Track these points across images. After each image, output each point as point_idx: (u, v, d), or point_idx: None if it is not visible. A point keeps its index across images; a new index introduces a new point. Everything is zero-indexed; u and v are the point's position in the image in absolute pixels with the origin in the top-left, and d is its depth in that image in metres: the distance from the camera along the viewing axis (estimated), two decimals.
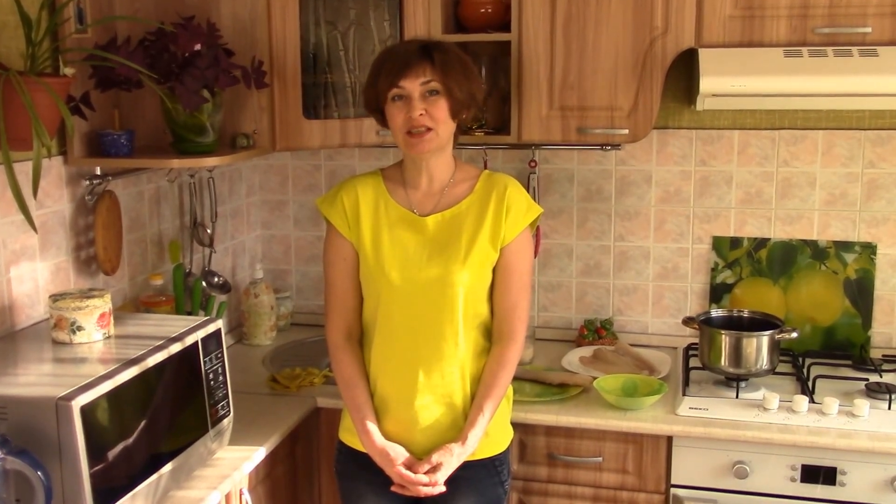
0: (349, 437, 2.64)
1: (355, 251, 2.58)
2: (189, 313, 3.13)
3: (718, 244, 3.50)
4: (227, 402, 2.60)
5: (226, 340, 3.39)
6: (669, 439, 2.90)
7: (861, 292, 3.40)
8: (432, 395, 2.53)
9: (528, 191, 3.36)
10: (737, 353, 3.04)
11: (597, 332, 3.58)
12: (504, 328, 2.59)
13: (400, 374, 2.54)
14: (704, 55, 2.93)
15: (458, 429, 2.53)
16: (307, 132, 3.09)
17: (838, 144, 3.35)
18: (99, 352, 2.32)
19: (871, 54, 2.85)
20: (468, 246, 2.52)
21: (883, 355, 3.34)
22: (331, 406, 3.00)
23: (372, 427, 2.52)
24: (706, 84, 2.85)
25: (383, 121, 2.55)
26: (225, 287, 3.41)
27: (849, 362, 3.30)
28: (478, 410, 2.52)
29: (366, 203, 2.58)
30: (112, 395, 2.10)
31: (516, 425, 2.90)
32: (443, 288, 2.50)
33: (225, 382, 2.59)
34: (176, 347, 2.37)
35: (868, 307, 3.40)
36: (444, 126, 2.49)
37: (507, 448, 2.66)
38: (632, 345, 3.52)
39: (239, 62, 2.84)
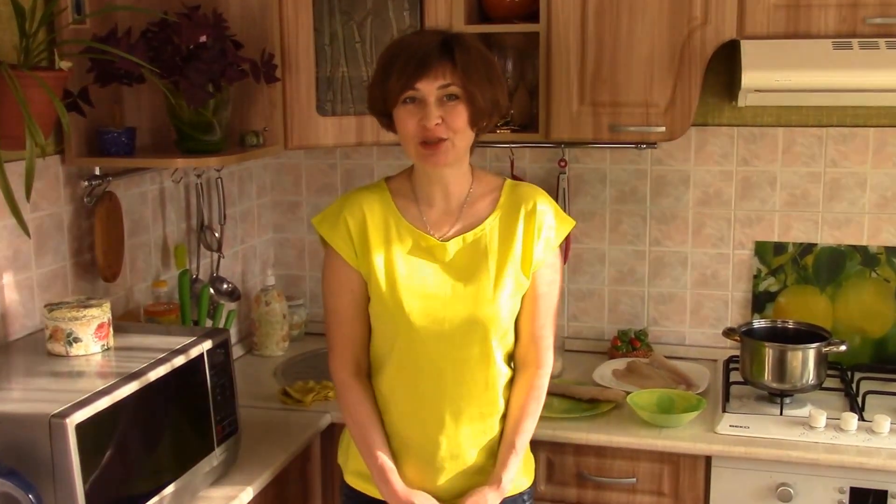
0: (359, 481, 2.48)
1: (363, 281, 2.36)
2: (195, 323, 3.10)
3: (761, 250, 3.45)
4: (235, 419, 2.57)
5: (235, 351, 3.40)
6: (708, 459, 2.85)
7: None
8: (460, 438, 2.36)
9: (557, 192, 3.44)
10: (781, 367, 2.99)
11: (631, 343, 3.53)
12: (531, 354, 2.43)
13: (422, 416, 2.36)
14: (747, 47, 2.88)
15: (487, 471, 2.39)
16: (321, 130, 3.06)
17: (891, 143, 3.30)
18: (97, 365, 2.29)
19: None
20: (497, 276, 2.33)
21: None
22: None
23: (392, 474, 2.34)
24: (749, 78, 2.80)
25: (390, 124, 2.34)
26: (234, 294, 3.38)
27: None
28: (510, 450, 2.37)
29: (374, 225, 2.35)
30: (110, 412, 2.07)
31: (543, 443, 2.88)
32: (472, 327, 2.31)
33: (232, 398, 2.55)
34: (180, 360, 2.34)
35: None
36: (462, 136, 2.28)
37: (533, 480, 2.57)
38: (668, 357, 3.47)
39: (247, 55, 2.81)
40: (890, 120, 3.29)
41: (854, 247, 3.37)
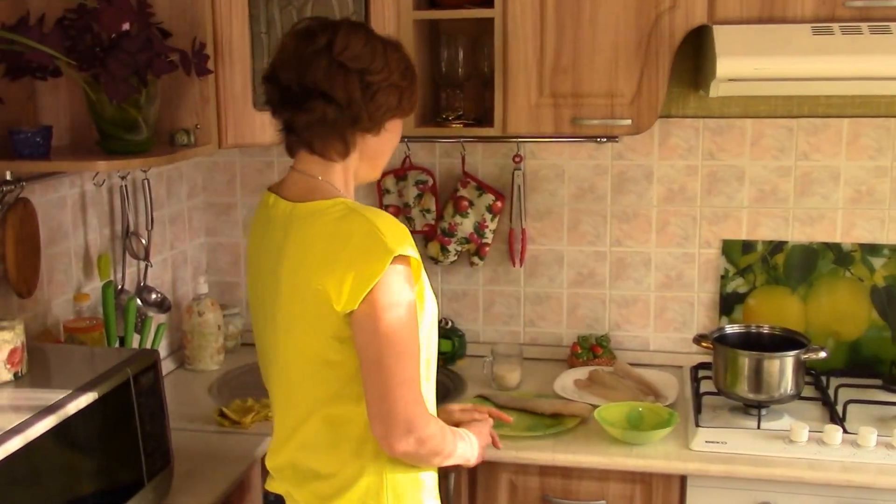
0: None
1: None
2: (122, 339, 2.90)
3: (729, 249, 3.33)
4: (167, 450, 2.37)
5: (165, 366, 3.22)
6: (683, 479, 2.72)
7: (891, 301, 3.25)
8: None
9: (512, 190, 3.35)
10: (758, 377, 2.85)
11: (591, 350, 3.40)
12: None
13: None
14: (720, 33, 2.73)
15: None
16: (258, 126, 2.87)
17: (865, 134, 3.20)
18: (8, 398, 2.06)
19: None
20: None
21: None
22: None
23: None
24: (724, 67, 2.64)
25: (376, 129, 2.15)
26: (164, 305, 3.18)
27: (879, 382, 3.16)
28: None
29: None
30: (23, 455, 1.87)
31: (506, 465, 2.75)
32: None
33: (164, 426, 2.36)
34: (104, 388, 2.14)
35: None
36: None
37: None
38: (631, 364, 3.35)
39: (176, 44, 2.61)
40: (864, 109, 3.19)
41: (827, 244, 3.27)
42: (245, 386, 3.22)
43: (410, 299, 2.03)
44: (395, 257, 1.97)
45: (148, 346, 2.98)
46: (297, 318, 2.08)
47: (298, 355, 2.11)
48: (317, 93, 2.05)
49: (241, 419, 2.85)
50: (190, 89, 2.76)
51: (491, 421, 2.45)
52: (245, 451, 2.72)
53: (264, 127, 2.84)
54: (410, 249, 2.03)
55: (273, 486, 2.27)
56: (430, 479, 2.24)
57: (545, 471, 2.77)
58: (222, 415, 2.89)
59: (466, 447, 2.27)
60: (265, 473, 2.35)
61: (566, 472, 2.76)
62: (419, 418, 2.04)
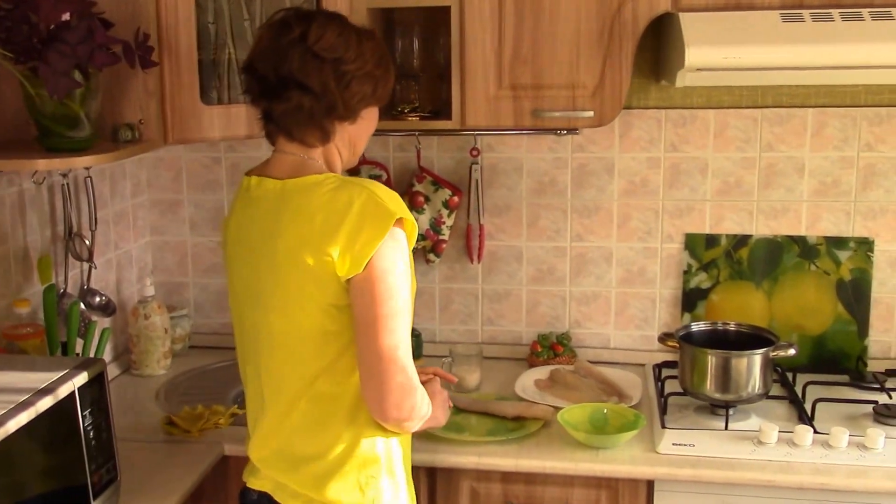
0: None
1: None
2: (64, 345, 2.78)
3: (692, 243, 3.28)
4: (114, 464, 2.27)
5: (110, 371, 3.12)
6: (650, 484, 2.65)
7: (857, 295, 3.22)
8: None
9: (469, 184, 3.29)
10: (725, 376, 2.79)
11: (552, 348, 3.34)
12: None
13: None
14: (687, 21, 2.66)
15: None
16: (206, 121, 2.78)
17: (830, 124, 3.17)
18: None
19: (886, 17, 2.61)
20: None
21: (886, 369, 3.16)
22: (241, 454, 2.65)
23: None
24: (693, 56, 2.57)
25: (352, 117, 2.23)
26: (108, 308, 3.07)
27: (846, 378, 3.11)
28: None
29: None
30: None
31: (467, 471, 2.68)
32: None
33: (109, 440, 2.26)
34: (46, 402, 2.03)
35: (864, 312, 3.23)
36: None
37: None
38: (592, 362, 3.29)
39: (119, 35, 2.51)
40: (829, 99, 3.15)
41: (791, 237, 3.23)
42: (193, 391, 3.14)
43: (407, 262, 2.13)
44: (395, 220, 2.07)
45: (92, 352, 2.87)
46: (295, 291, 2.11)
47: (293, 330, 2.14)
48: (292, 82, 2.13)
49: (190, 427, 2.75)
50: (134, 83, 2.68)
51: (438, 380, 2.48)
52: (195, 460, 2.62)
53: (212, 121, 2.77)
54: (406, 212, 2.12)
55: (258, 483, 2.26)
56: (407, 445, 2.32)
57: (508, 477, 2.70)
58: (171, 423, 2.80)
59: (435, 409, 2.31)
60: (238, 473, 2.37)
61: (529, 478, 2.69)
62: (412, 383, 2.10)
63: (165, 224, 3.58)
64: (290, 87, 2.13)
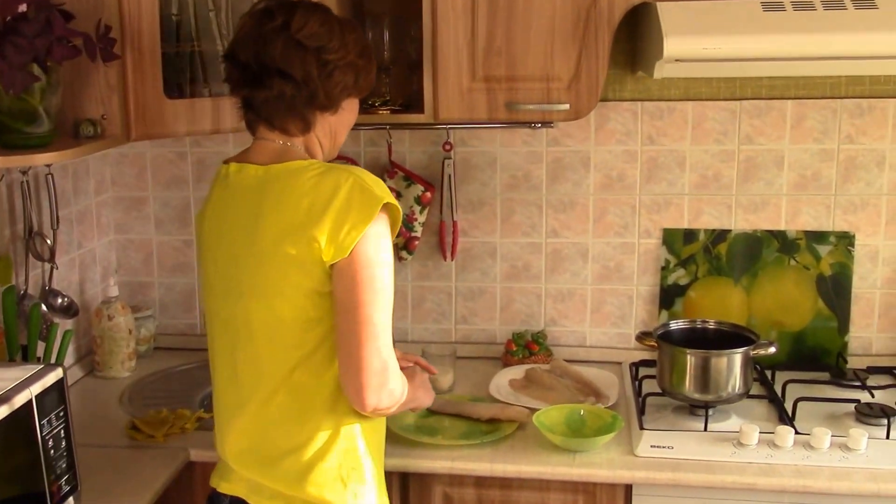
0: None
1: None
2: (25, 348, 2.71)
3: (670, 238, 3.23)
4: (74, 474, 2.20)
5: (74, 374, 3.06)
6: (628, 488, 2.59)
7: (837, 291, 3.18)
8: None
9: (442, 179, 3.22)
10: (705, 376, 2.74)
11: (527, 347, 3.29)
12: None
13: None
14: (665, 10, 2.60)
15: None
16: (170, 116, 2.70)
17: (810, 116, 3.12)
18: None
19: (868, 5, 2.56)
20: None
21: (868, 367, 3.13)
22: (207, 459, 2.61)
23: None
24: (671, 46, 2.50)
25: (333, 108, 2.25)
26: (71, 310, 2.99)
27: (826, 375, 3.08)
28: None
29: None
30: None
31: (440, 476, 2.62)
32: None
33: (69, 449, 2.19)
34: (3, 411, 1.97)
35: (845, 308, 3.19)
36: None
37: None
38: (568, 360, 3.24)
39: (80, 28, 2.44)
40: (809, 91, 3.11)
41: (771, 232, 3.19)
42: (159, 394, 3.06)
43: (391, 248, 2.12)
44: (382, 206, 2.06)
45: (53, 356, 2.78)
46: (278, 277, 2.09)
47: (273, 318, 2.12)
48: (274, 70, 2.13)
49: (154, 432, 2.68)
50: (95, 77, 2.60)
51: (418, 367, 2.52)
52: (159, 466, 2.55)
53: (177, 116, 2.70)
54: (392, 198, 2.12)
55: (230, 487, 2.23)
56: (383, 437, 2.32)
57: (482, 482, 2.63)
58: (134, 428, 2.72)
59: (415, 390, 2.32)
60: (205, 479, 2.34)
61: (504, 483, 2.63)
62: (393, 371, 2.10)
63: (130, 222, 3.50)
64: (272, 74, 2.13)
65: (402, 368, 2.19)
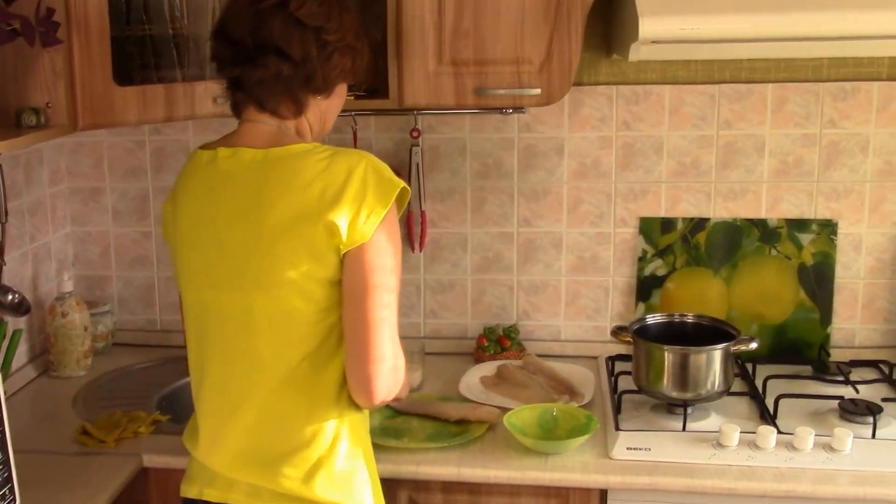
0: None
1: None
2: None
3: (647, 227, 3.10)
4: (11, 488, 2.02)
5: (26, 375, 2.93)
6: (603, 493, 2.44)
7: (819, 281, 3.05)
8: None
9: (410, 168, 3.08)
10: (683, 373, 2.59)
11: (499, 342, 3.14)
12: None
13: None
14: None
15: None
16: (120, 103, 2.53)
17: (791, 100, 2.99)
18: None
19: None
20: None
21: (851, 360, 3.01)
22: (162, 465, 2.46)
23: None
24: (647, 27, 2.33)
25: (325, 90, 2.13)
26: (22, 307, 2.78)
27: (808, 369, 2.96)
28: None
29: None
30: None
31: (405, 482, 2.46)
32: None
33: (5, 461, 2.00)
34: None
35: (827, 299, 3.06)
36: None
37: None
38: (542, 356, 3.10)
39: (19, 11, 2.28)
40: (790, 74, 2.97)
41: (751, 220, 3.06)
42: (115, 395, 2.90)
43: (399, 234, 2.05)
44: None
45: (0, 357, 2.62)
46: (286, 266, 1.96)
47: (279, 312, 1.99)
48: (272, 48, 2.01)
49: (105, 437, 2.51)
50: (39, 63, 2.42)
51: None
52: (109, 475, 2.38)
53: (127, 103, 2.53)
54: (403, 183, 2.03)
55: (221, 494, 2.08)
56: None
57: (449, 487, 2.48)
58: (85, 433, 2.56)
59: None
60: (160, 487, 2.30)
61: (473, 488, 2.47)
62: (401, 360, 2.05)
63: (87, 214, 3.33)
64: (269, 52, 2.00)
65: None
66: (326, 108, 2.16)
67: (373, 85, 2.81)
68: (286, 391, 2.01)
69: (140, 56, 2.66)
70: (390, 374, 2.00)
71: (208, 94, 2.58)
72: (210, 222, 2.05)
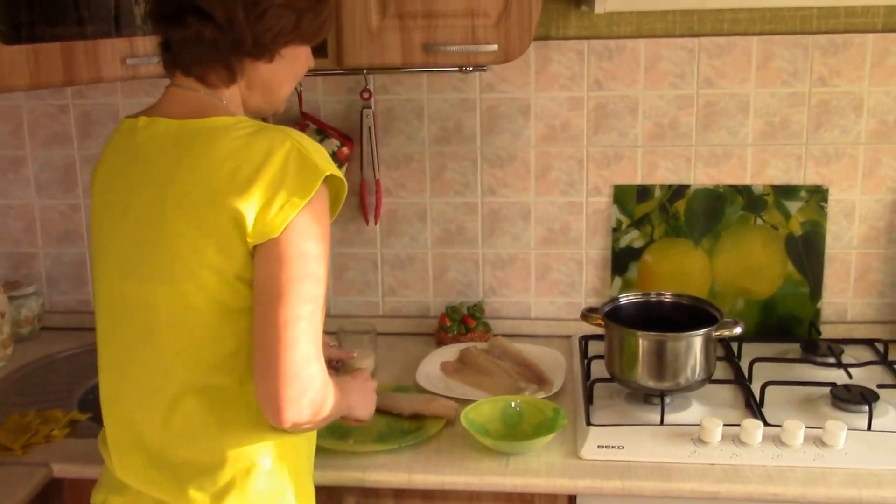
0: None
1: None
2: None
3: (622, 196, 2.85)
4: None
5: None
6: (571, 499, 2.17)
7: (809, 252, 2.83)
8: None
9: (361, 132, 2.81)
10: (660, 362, 2.31)
11: (463, 321, 2.87)
12: None
13: None
14: None
15: None
16: (7, 66, 2.19)
17: (778, 55, 2.75)
18: None
19: None
20: None
21: (842, 338, 2.80)
22: (76, 475, 2.17)
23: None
24: None
25: (266, 55, 1.84)
26: None
27: (797, 347, 2.74)
28: None
29: None
30: None
31: (350, 489, 2.19)
32: None
33: None
34: None
35: (817, 272, 2.84)
36: None
37: None
38: (510, 336, 2.87)
39: None
40: (776, 25, 2.72)
41: (735, 187, 2.82)
42: (34, 389, 2.62)
43: (328, 228, 1.75)
44: (324, 179, 1.70)
45: None
46: (190, 256, 1.70)
47: (184, 308, 1.73)
48: (189, 7, 1.76)
49: (12, 444, 2.20)
50: None
51: (359, 371, 2.17)
52: (14, 486, 2.08)
53: (15, 65, 2.18)
54: (336, 169, 1.75)
55: (126, 502, 1.84)
56: (313, 449, 1.98)
57: (401, 494, 2.21)
58: None
59: (349, 397, 1.95)
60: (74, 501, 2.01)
61: (427, 496, 2.20)
62: (318, 377, 1.70)
63: (6, 186, 3.03)
64: (187, 11, 1.76)
65: (335, 371, 1.85)
66: (271, 75, 1.86)
67: None
68: (195, 402, 1.75)
69: (29, 10, 2.35)
70: (306, 395, 1.69)
71: (117, 53, 2.27)
72: (121, 201, 1.80)
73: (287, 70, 1.89)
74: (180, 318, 1.73)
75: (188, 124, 1.76)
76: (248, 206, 1.64)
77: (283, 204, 1.65)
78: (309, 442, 1.92)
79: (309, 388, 1.68)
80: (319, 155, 1.73)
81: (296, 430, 1.73)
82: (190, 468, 1.77)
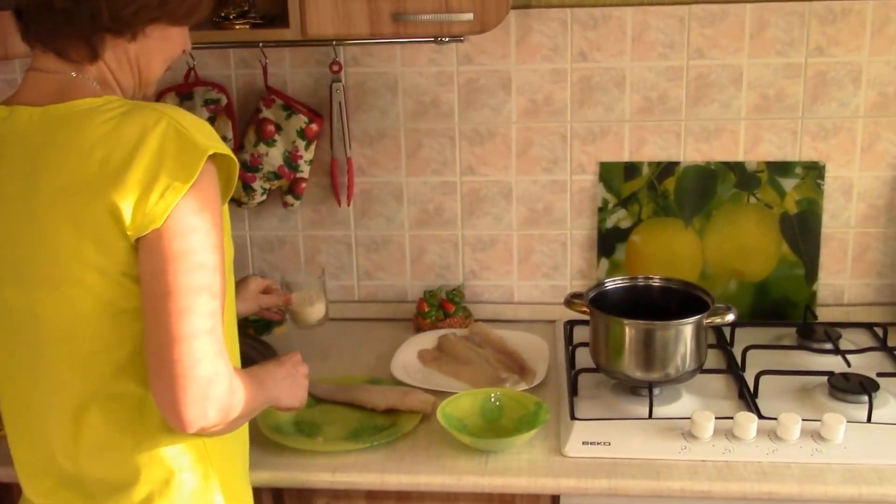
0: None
1: None
2: None
3: (608, 173, 2.74)
4: None
5: None
6: (555, 499, 2.06)
7: (804, 232, 2.73)
8: None
9: (331, 107, 2.67)
10: (648, 351, 2.19)
11: (442, 307, 2.75)
12: None
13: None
14: None
15: None
16: None
17: (773, 23, 2.63)
18: None
19: None
20: None
21: (840, 322, 2.70)
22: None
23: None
24: None
25: (132, 40, 1.68)
26: None
27: (793, 332, 2.62)
28: None
29: None
30: None
31: (321, 491, 2.07)
32: None
33: None
34: None
35: (813, 252, 2.74)
36: None
37: None
38: (492, 321, 2.75)
39: None
40: None
41: (727, 164, 2.72)
42: None
43: (220, 214, 1.61)
44: (207, 158, 1.55)
45: None
46: (68, 257, 1.56)
47: (71, 314, 1.59)
48: None
49: None
50: None
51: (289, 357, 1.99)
52: None
53: None
54: (222, 146, 1.60)
55: None
56: (246, 452, 1.89)
57: (374, 496, 2.09)
58: None
59: (277, 388, 1.86)
60: None
61: (402, 497, 2.08)
62: (220, 375, 1.56)
63: None
64: None
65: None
66: (138, 54, 1.71)
67: (271, 11, 2.37)
68: (99, 413, 1.63)
69: None
70: (208, 398, 1.55)
71: None
72: None
73: (157, 49, 1.75)
74: (69, 324, 1.60)
75: (51, 110, 1.61)
76: (125, 197, 1.51)
77: (164, 190, 1.51)
78: (237, 440, 1.80)
79: (210, 390, 1.54)
80: (202, 132, 1.59)
81: (206, 434, 1.61)
82: (103, 486, 1.65)
